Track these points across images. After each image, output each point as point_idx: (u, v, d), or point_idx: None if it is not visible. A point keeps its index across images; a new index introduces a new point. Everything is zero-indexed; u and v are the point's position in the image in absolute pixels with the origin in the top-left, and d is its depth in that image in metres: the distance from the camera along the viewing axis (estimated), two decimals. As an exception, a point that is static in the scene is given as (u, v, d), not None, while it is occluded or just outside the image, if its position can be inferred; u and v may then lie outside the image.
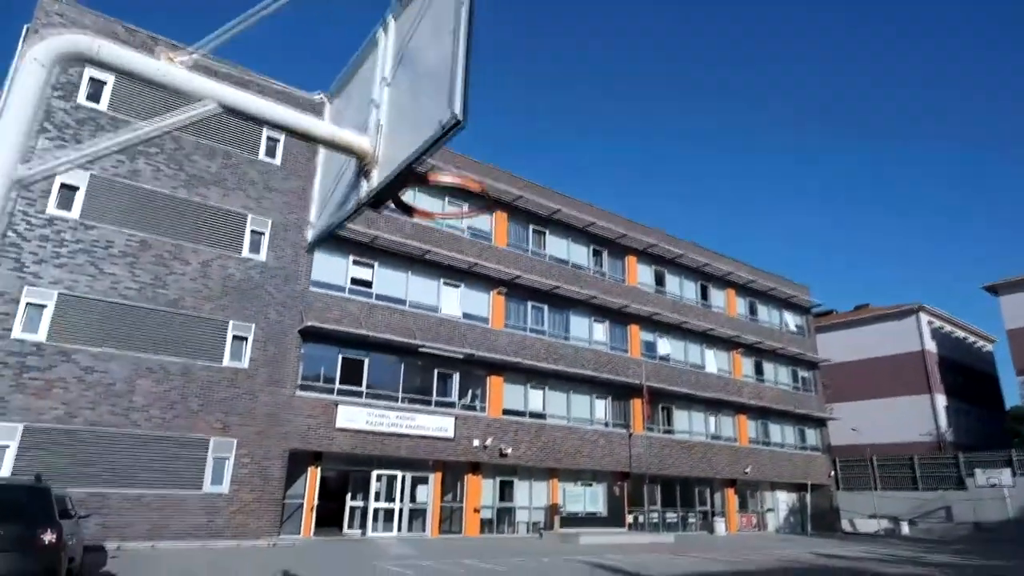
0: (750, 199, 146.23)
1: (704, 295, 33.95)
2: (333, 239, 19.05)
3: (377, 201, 3.23)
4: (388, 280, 22.76)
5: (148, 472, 16.61)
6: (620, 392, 28.35)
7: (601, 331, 28.75)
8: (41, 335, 15.95)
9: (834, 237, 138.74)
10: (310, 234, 4.00)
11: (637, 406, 28.38)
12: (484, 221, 26.07)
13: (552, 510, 25.31)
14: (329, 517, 22.42)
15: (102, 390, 16.42)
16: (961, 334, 47.20)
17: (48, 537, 6.34)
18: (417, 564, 14.49)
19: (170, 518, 16.60)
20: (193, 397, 17.70)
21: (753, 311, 36.32)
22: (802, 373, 37.87)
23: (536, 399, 25.79)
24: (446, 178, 3.56)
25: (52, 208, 16.71)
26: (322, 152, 4.13)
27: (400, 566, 13.95)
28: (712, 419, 32.00)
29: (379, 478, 21.62)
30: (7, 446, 15.01)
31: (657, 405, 29.45)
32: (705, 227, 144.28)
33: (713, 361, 32.92)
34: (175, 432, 17.23)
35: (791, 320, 38.53)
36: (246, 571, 12.23)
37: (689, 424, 30.97)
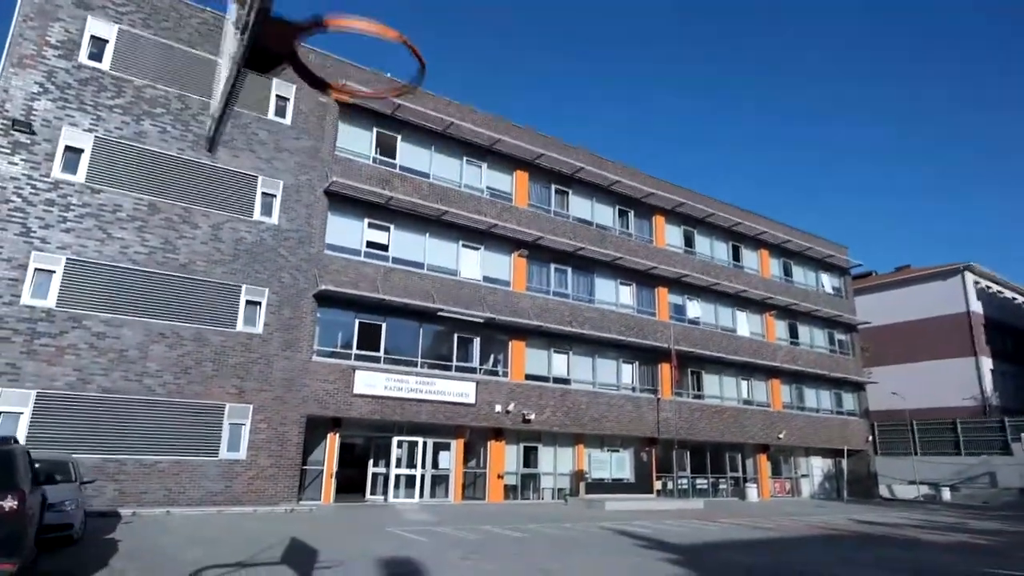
0: (782, 158, 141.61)
1: (736, 256, 32.61)
2: (348, 201, 18.35)
3: (264, 59, 2.41)
4: (405, 243, 22.07)
5: (164, 438, 16.41)
6: (648, 356, 27.47)
7: (628, 294, 27.77)
8: (51, 301, 15.67)
9: (872, 197, 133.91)
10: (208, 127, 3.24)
11: (665, 371, 27.50)
12: (504, 180, 25.08)
13: (578, 476, 24.78)
14: (351, 484, 22.22)
15: (115, 356, 16.16)
16: (1009, 294, 44.92)
17: (8, 504, 5.82)
18: (432, 530, 14.03)
19: (187, 484, 16.43)
20: (207, 363, 17.38)
21: (788, 272, 34.86)
22: (839, 336, 36.44)
23: (560, 364, 25.08)
24: (351, 23, 2.71)
25: (57, 172, 16.28)
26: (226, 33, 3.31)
27: (414, 532, 13.50)
28: (744, 383, 30.97)
29: (400, 444, 21.28)
30: (21, 412, 14.86)
31: (686, 369, 28.52)
32: (737, 187, 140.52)
33: (745, 324, 31.74)
34: (190, 398, 16.96)
35: (828, 281, 36.97)
36: (254, 535, 11.87)
37: (720, 389, 30.01)
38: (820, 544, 14.95)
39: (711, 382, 29.77)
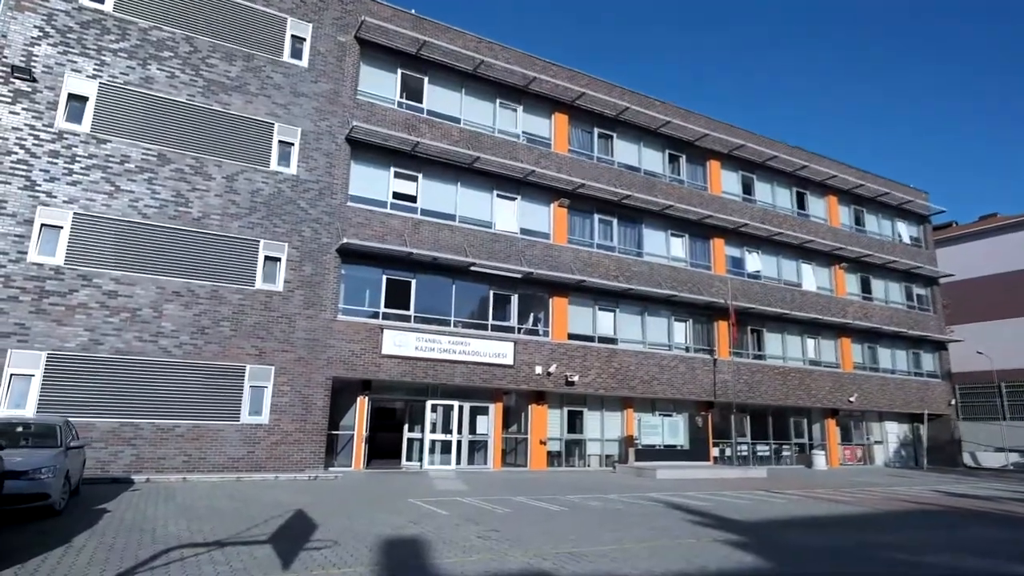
0: (855, 97, 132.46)
1: (800, 203, 29.72)
2: (372, 148, 16.66)
3: None
4: (434, 193, 20.48)
5: (181, 401, 15.58)
6: (702, 314, 25.32)
7: (679, 246, 25.54)
8: (59, 258, 14.86)
9: (954, 141, 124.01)
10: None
11: (722, 329, 25.32)
12: (541, 124, 23.06)
13: (627, 442, 23.12)
14: (386, 449, 21.29)
15: (127, 315, 15.31)
16: (1114, 242, 40.08)
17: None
18: (458, 501, 12.68)
19: (207, 449, 15.60)
20: (225, 322, 16.39)
21: (859, 221, 31.70)
22: (918, 290, 33.15)
23: (606, 322, 23.25)
24: None
25: (61, 121, 15.32)
26: None
27: (437, 503, 12.17)
28: (811, 342, 28.43)
29: (434, 408, 20.08)
30: (32, 375, 14.19)
31: (745, 327, 26.22)
32: (802, 130, 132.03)
33: (811, 277, 29.01)
34: (208, 359, 16.05)
35: (905, 230, 33.56)
36: (259, 506, 10.76)
37: (783, 348, 27.59)
38: (910, 522, 12.88)
39: (773, 341, 27.38)
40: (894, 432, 31.89)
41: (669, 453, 23.79)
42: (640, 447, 23.18)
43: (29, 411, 13.89)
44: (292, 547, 7.75)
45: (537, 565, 7.41)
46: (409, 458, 20.02)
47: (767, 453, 27.14)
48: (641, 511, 12.45)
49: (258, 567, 6.80)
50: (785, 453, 27.76)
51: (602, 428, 23.10)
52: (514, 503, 12.77)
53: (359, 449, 18.62)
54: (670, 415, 24.54)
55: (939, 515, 13.91)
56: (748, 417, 26.69)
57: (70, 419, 12.25)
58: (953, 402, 32.61)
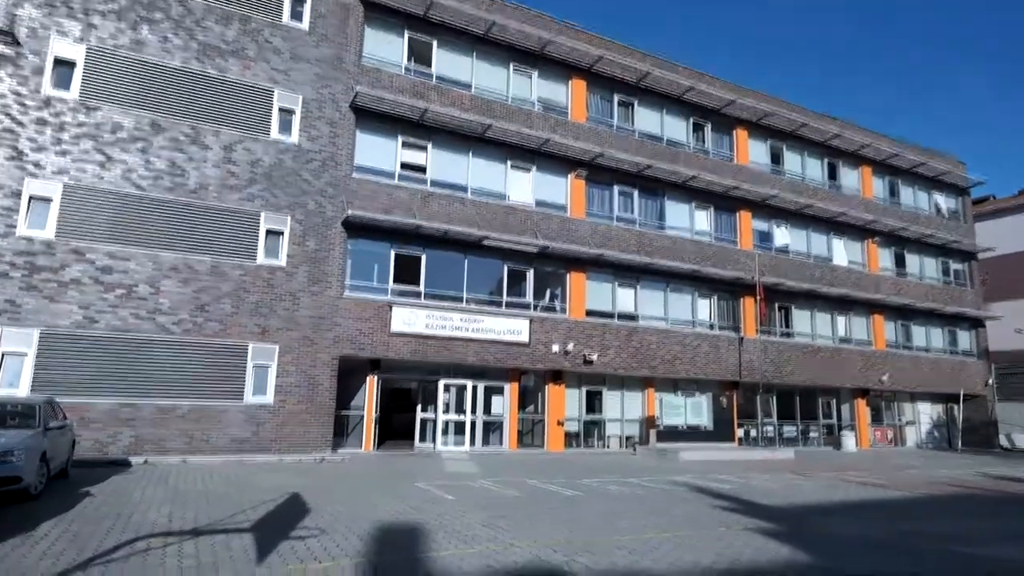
0: (891, 63, 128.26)
1: (832, 174, 28.23)
2: (378, 117, 15.62)
3: None
4: (445, 164, 19.51)
5: (182, 381, 14.94)
6: (728, 290, 24.15)
7: (704, 219, 24.31)
8: (49, 232, 14.21)
9: (991, 113, 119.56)
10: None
11: (749, 306, 24.14)
12: (558, 91, 21.89)
13: (648, 423, 22.18)
14: (397, 431, 20.64)
15: (123, 292, 14.65)
16: None
17: None
18: (467, 484, 11.88)
19: (209, 431, 14.98)
20: (226, 299, 15.68)
21: (894, 193, 30.09)
22: (955, 265, 31.52)
23: (626, 298, 22.21)
24: None
25: (48, 88, 14.59)
26: None
27: (445, 487, 11.37)
28: (841, 320, 27.11)
29: (447, 388, 19.29)
30: (24, 353, 13.61)
31: (773, 304, 24.99)
32: (834, 98, 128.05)
33: (843, 252, 27.62)
34: (209, 337, 15.37)
35: (942, 203, 31.86)
36: (253, 491, 10.05)
37: (812, 326, 26.33)
38: (957, 507, 11.82)
39: (802, 318, 26.12)
40: (927, 413, 30.53)
41: (692, 434, 22.81)
42: (662, 428, 22.23)
43: (23, 391, 13.33)
44: (275, 537, 6.97)
45: (546, 559, 6.55)
46: (422, 439, 19.29)
47: (794, 434, 26.05)
48: (664, 496, 11.54)
49: (229, 560, 6.03)
50: (812, 434, 26.63)
51: (622, 408, 22.18)
52: (527, 487, 11.93)
53: (369, 430, 17.91)
54: (693, 395, 23.54)
55: (990, 501, 12.82)
56: (775, 397, 25.58)
57: (59, 399, 11.66)
58: (990, 382, 31.10)
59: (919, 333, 29.52)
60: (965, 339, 31.20)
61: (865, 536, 8.57)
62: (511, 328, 19.36)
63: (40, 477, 8.91)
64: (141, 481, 11.05)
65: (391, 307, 17.77)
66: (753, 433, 24.75)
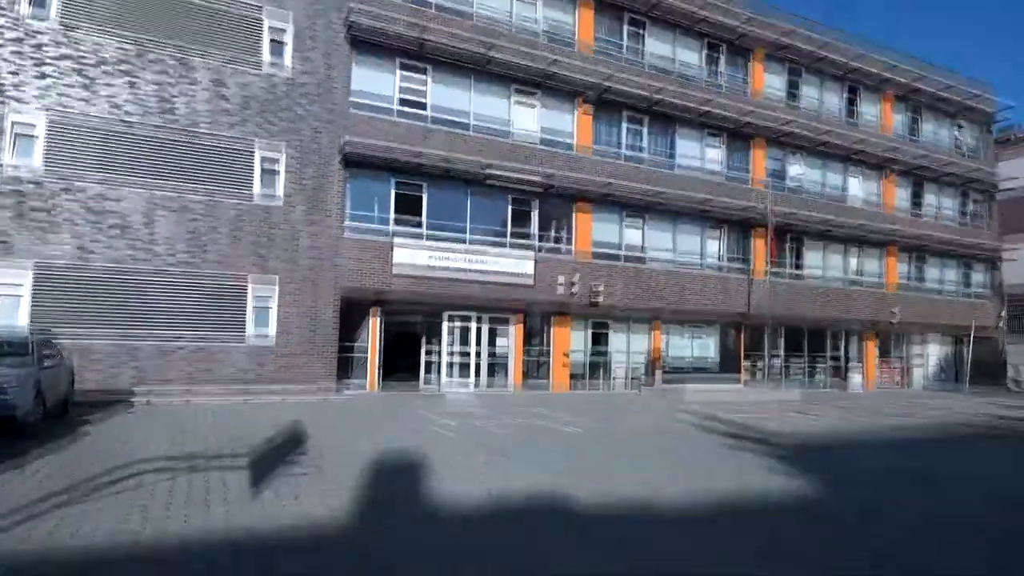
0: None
1: (851, 105, 27.02)
2: (375, 46, 14.75)
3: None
4: (445, 95, 18.67)
5: (182, 319, 14.74)
6: (738, 226, 23.54)
7: (716, 153, 23.45)
8: (37, 165, 13.72)
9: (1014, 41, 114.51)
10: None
11: (759, 242, 23.57)
12: (564, 15, 20.73)
13: (653, 361, 22.05)
14: (402, 369, 20.57)
15: (116, 226, 14.29)
16: None
17: None
18: (470, 423, 11.76)
19: (212, 369, 14.89)
20: (222, 234, 15.30)
21: (915, 124, 28.86)
22: (973, 201, 30.61)
23: (633, 235, 21.68)
24: None
25: (24, 9, 13.81)
26: None
27: (446, 425, 11.25)
28: (853, 257, 26.55)
29: (451, 327, 19.08)
30: (19, 287, 13.37)
31: (784, 240, 24.42)
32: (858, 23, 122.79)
33: (859, 187, 26.78)
34: (207, 273, 15.07)
35: (964, 135, 30.63)
36: (253, 427, 9.94)
37: (823, 263, 25.80)
38: (977, 444, 11.64)
39: (814, 256, 25.57)
40: (935, 352, 30.32)
41: (698, 372, 22.69)
42: (667, 366, 22.11)
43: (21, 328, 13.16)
44: (271, 471, 6.81)
45: (551, 487, 6.34)
46: (427, 378, 19.23)
47: (800, 373, 25.93)
48: (670, 431, 11.40)
49: (222, 491, 5.85)
50: (819, 373, 26.51)
51: (628, 346, 22.01)
52: (530, 424, 11.81)
53: (372, 369, 17.82)
54: (700, 337, 23.33)
55: (1010, 438, 12.63)
56: (782, 335, 25.34)
57: (57, 335, 11.48)
58: (1002, 321, 30.70)
59: (933, 271, 28.96)
60: (979, 277, 30.63)
61: (891, 467, 8.38)
62: (516, 266, 18.97)
63: (35, 412, 8.75)
64: (141, 418, 10.98)
65: (393, 244, 17.36)
66: (759, 371, 24.63)
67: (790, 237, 24.63)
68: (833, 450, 10.18)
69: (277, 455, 7.84)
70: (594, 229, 20.77)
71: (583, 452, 8.96)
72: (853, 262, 26.51)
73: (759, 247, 23.57)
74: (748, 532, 5.37)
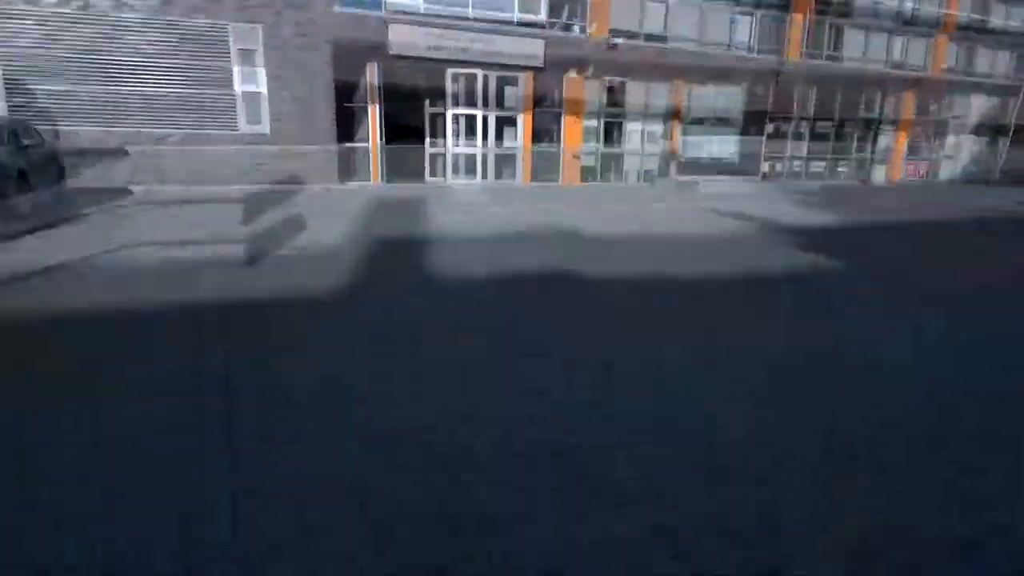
0: None
1: None
2: None
3: None
4: None
5: (170, 113, 13.93)
6: (773, 4, 21.06)
7: (756, -89, 20.24)
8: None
9: None
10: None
11: (796, 25, 21.24)
12: None
13: (669, 155, 21.13)
14: (407, 165, 19.92)
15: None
16: None
17: None
18: (476, 209, 11.43)
19: (207, 161, 14.39)
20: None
21: None
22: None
23: (656, 14, 19.54)
24: None
25: None
26: None
27: (451, 213, 10.92)
28: (899, 40, 24.07)
29: (456, 119, 18.06)
30: (-10, 77, 12.49)
31: (824, 21, 21.98)
32: None
33: (915, -45, 23.46)
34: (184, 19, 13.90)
35: None
36: (258, 214, 9.70)
37: (864, 48, 23.48)
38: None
39: (854, 39, 23.19)
40: (968, 148, 28.78)
41: (715, 167, 21.83)
42: (683, 161, 21.24)
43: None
44: (267, 248, 6.61)
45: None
46: (432, 174, 18.67)
47: (822, 169, 24.93)
48: (682, 216, 11.04)
49: (215, 263, 5.69)
50: (841, 169, 25.48)
51: (643, 141, 20.97)
52: (536, 209, 11.47)
53: (375, 163, 17.23)
54: (719, 130, 21.97)
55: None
56: (808, 130, 23.92)
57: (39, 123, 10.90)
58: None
59: (984, 59, 26.39)
60: (1032, 66, 27.98)
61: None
62: (524, 50, 17.38)
63: (20, 196, 8.49)
64: (137, 207, 10.75)
65: (387, 25, 15.77)
66: (780, 167, 23.67)
67: (829, 18, 22.11)
68: (837, 232, 9.82)
69: (275, 236, 7.65)
70: (612, 7, 18.64)
71: (592, 219, 8.68)
72: (897, 47, 24.06)
73: (795, 31, 21.25)
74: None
